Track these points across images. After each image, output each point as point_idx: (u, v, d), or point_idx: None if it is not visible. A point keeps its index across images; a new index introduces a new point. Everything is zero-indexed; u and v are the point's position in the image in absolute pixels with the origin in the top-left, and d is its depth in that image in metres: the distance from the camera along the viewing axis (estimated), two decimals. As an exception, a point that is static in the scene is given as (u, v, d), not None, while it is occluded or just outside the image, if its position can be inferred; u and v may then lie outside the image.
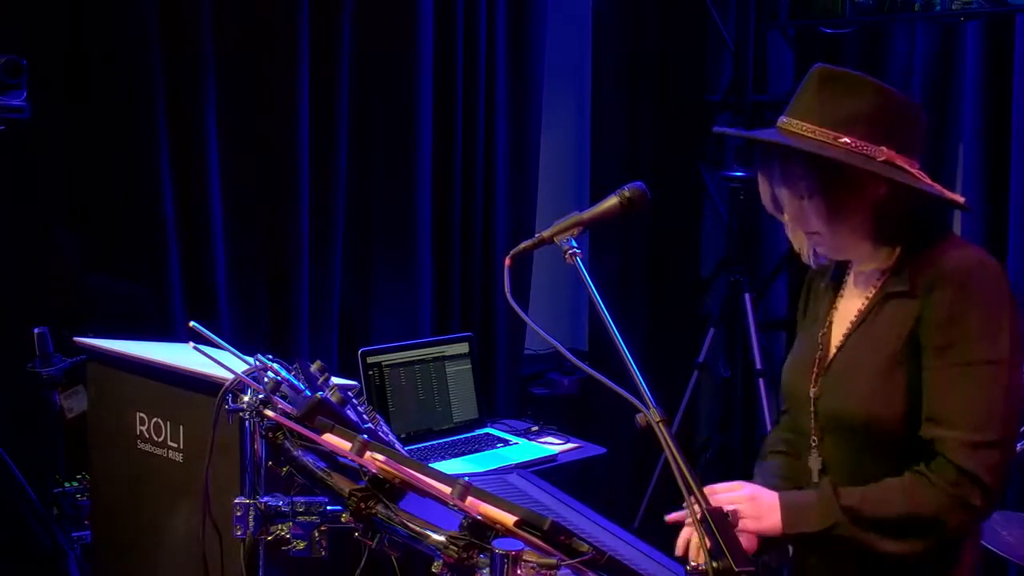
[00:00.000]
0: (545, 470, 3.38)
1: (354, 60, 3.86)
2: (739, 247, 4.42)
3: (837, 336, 1.95)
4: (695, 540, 1.87)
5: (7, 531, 3.26)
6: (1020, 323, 1.78)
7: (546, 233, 1.85)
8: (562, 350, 1.77)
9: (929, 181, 1.83)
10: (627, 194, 1.88)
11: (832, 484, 1.85)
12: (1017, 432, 1.79)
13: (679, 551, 1.90)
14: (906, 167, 1.82)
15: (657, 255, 4.69)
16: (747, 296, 4.24)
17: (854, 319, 1.92)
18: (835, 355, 1.93)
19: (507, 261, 1.82)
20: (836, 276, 2.01)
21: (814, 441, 1.94)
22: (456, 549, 1.52)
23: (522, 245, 1.86)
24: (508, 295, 1.77)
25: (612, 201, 1.88)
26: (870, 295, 1.91)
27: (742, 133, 1.94)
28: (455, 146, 4.17)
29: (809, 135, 1.81)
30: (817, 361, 1.96)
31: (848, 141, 1.80)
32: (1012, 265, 3.80)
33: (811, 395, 1.95)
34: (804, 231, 1.88)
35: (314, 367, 1.95)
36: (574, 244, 1.82)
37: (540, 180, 4.45)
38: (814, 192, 1.82)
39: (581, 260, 1.79)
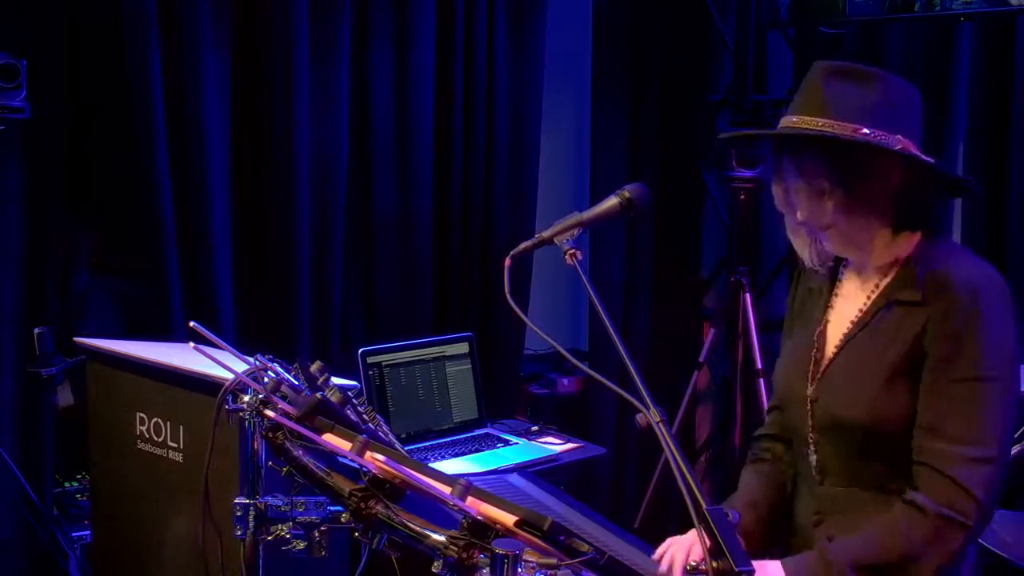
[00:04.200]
0: (545, 470, 3.38)
1: (354, 59, 3.86)
2: (739, 247, 4.42)
3: (835, 337, 1.94)
4: (677, 559, 1.88)
5: (7, 531, 3.26)
6: (1019, 340, 1.79)
7: (546, 233, 1.85)
8: (562, 351, 1.78)
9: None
10: (627, 194, 1.88)
11: (829, 538, 1.85)
12: (1010, 451, 1.79)
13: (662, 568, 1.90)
14: (919, 154, 1.81)
15: (657, 255, 4.69)
16: (747, 296, 4.24)
17: (853, 321, 1.91)
18: (834, 357, 1.92)
19: (507, 261, 1.82)
20: (831, 275, 1.99)
21: (811, 441, 1.93)
22: (456, 549, 1.52)
23: (522, 245, 1.86)
24: (508, 295, 1.77)
25: (612, 201, 1.88)
26: (870, 295, 1.90)
27: (756, 132, 1.93)
28: (455, 146, 4.17)
29: (827, 129, 1.79)
30: (813, 361, 1.94)
31: (868, 132, 1.78)
32: (1012, 265, 3.80)
33: (808, 396, 1.93)
34: (820, 226, 1.84)
35: (314, 367, 1.95)
36: (574, 244, 1.82)
37: (540, 180, 4.45)
38: (835, 185, 1.79)
39: (581, 260, 1.79)
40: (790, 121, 1.85)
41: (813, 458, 1.94)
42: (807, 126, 1.81)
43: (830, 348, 1.94)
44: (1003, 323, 1.78)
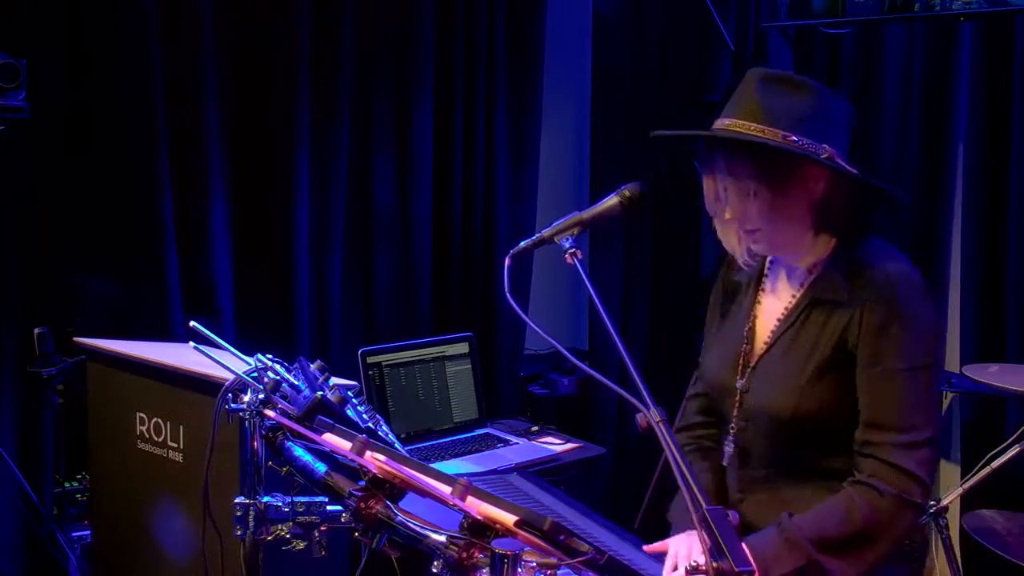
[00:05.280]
0: (545, 470, 3.38)
1: (355, 60, 3.86)
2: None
3: (763, 333, 2.03)
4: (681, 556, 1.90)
5: (7, 531, 3.26)
6: (939, 327, 1.92)
7: (546, 233, 1.86)
8: (562, 350, 1.78)
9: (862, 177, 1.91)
10: (627, 193, 1.91)
11: (789, 513, 1.89)
12: (939, 426, 1.92)
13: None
14: (844, 164, 1.89)
15: (657, 255, 4.69)
16: (747, 296, 4.24)
17: (781, 318, 2.00)
18: (764, 353, 2.00)
19: (507, 261, 1.83)
20: (757, 271, 2.08)
21: (734, 428, 2.03)
22: (456, 549, 1.52)
23: (522, 245, 1.87)
24: (508, 295, 1.78)
25: (612, 201, 1.91)
26: (796, 294, 1.99)
27: (690, 133, 1.98)
28: (455, 146, 4.17)
29: (757, 134, 1.86)
30: (743, 355, 2.03)
31: (796, 140, 1.86)
32: (1012, 265, 3.80)
33: (737, 387, 2.02)
34: (745, 229, 1.92)
35: (314, 367, 1.95)
36: (574, 244, 1.83)
37: (540, 180, 4.45)
38: (761, 187, 1.87)
39: (581, 260, 1.80)
40: (724, 123, 1.92)
41: (737, 444, 2.04)
42: (740, 130, 1.88)
43: (759, 343, 2.03)
44: (923, 313, 1.88)
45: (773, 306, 2.03)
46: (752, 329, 2.04)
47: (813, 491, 1.93)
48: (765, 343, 2.01)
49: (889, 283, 1.87)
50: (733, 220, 1.92)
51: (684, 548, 1.94)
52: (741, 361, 2.03)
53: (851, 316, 1.88)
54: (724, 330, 2.11)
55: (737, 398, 2.02)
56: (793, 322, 1.96)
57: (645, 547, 2.00)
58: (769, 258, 2.06)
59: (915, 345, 1.86)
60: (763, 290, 2.06)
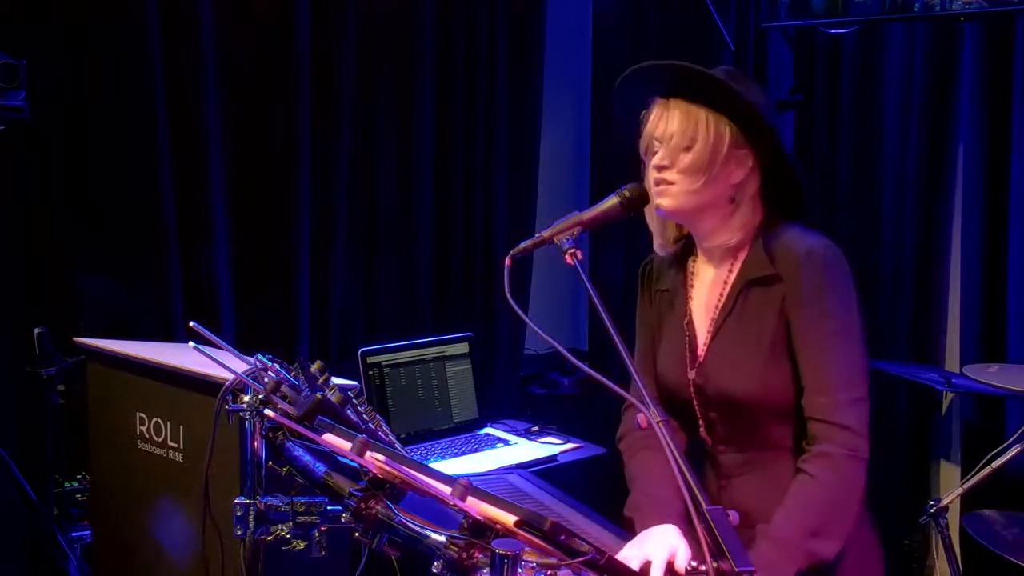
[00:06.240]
0: (545, 470, 3.38)
1: (355, 60, 3.86)
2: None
3: (703, 323, 2.05)
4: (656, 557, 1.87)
5: (7, 531, 3.26)
6: (858, 295, 1.97)
7: (546, 233, 1.87)
8: (562, 350, 1.78)
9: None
10: (627, 193, 1.92)
11: (771, 523, 1.88)
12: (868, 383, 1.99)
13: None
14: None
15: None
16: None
17: (717, 305, 2.02)
18: (709, 343, 2.02)
19: (507, 261, 1.83)
20: (681, 270, 2.11)
21: (705, 421, 2.05)
22: (456, 549, 1.52)
23: (522, 245, 1.87)
24: (508, 295, 1.78)
25: (612, 201, 1.92)
26: (727, 280, 2.01)
27: (672, 63, 1.99)
28: (456, 146, 4.17)
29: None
30: (688, 349, 2.05)
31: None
32: (1012, 265, 3.80)
33: (691, 380, 2.03)
34: (665, 178, 1.96)
35: (314, 367, 1.95)
36: (574, 244, 1.83)
37: (540, 180, 4.45)
38: (704, 140, 1.91)
39: (581, 260, 1.81)
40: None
41: (709, 436, 2.04)
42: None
43: (701, 334, 2.05)
44: (844, 281, 1.94)
45: (706, 297, 2.05)
46: (691, 323, 2.06)
47: (794, 462, 1.94)
48: (708, 332, 2.03)
49: (814, 255, 1.92)
50: (660, 165, 1.96)
51: (662, 549, 1.87)
52: (688, 355, 2.05)
53: (786, 287, 1.94)
54: (666, 335, 2.13)
55: (693, 391, 2.03)
56: (732, 307, 1.99)
57: (619, 556, 1.89)
58: (692, 257, 2.10)
59: (840, 310, 1.92)
60: (692, 286, 2.09)
